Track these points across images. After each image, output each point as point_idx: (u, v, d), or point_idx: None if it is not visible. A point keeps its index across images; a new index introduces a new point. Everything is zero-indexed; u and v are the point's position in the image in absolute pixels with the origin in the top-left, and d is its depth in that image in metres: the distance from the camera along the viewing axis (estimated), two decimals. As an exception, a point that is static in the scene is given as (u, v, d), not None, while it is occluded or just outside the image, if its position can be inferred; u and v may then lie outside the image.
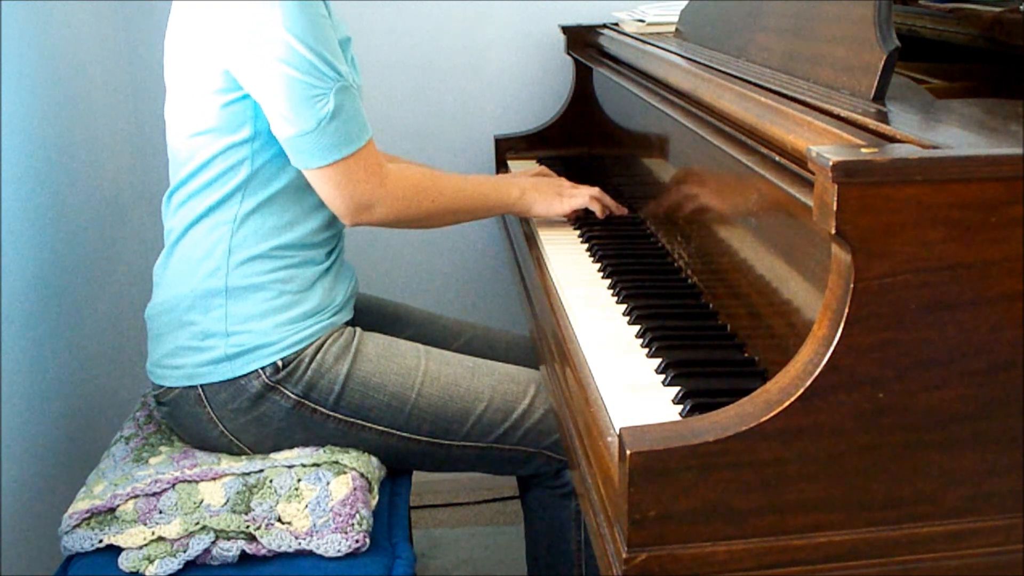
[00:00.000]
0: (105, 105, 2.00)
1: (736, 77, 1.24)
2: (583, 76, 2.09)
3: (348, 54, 1.40)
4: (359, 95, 1.42)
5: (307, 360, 1.37)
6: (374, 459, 1.41)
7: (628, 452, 0.82)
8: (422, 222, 1.47)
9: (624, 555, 0.84)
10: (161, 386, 1.42)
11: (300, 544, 1.27)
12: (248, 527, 1.27)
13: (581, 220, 1.66)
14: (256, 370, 1.36)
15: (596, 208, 1.62)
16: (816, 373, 0.82)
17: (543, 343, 1.34)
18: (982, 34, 1.35)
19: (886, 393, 0.83)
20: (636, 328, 1.22)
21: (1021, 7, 1.28)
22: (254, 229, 1.37)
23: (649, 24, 1.86)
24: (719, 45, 1.49)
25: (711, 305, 1.28)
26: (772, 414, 0.82)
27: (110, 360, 1.92)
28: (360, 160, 1.34)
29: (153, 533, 1.26)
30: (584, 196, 1.61)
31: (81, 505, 1.30)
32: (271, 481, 1.32)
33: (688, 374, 1.08)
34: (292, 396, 1.37)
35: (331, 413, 1.38)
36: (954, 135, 0.94)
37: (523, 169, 1.88)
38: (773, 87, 1.14)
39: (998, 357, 0.84)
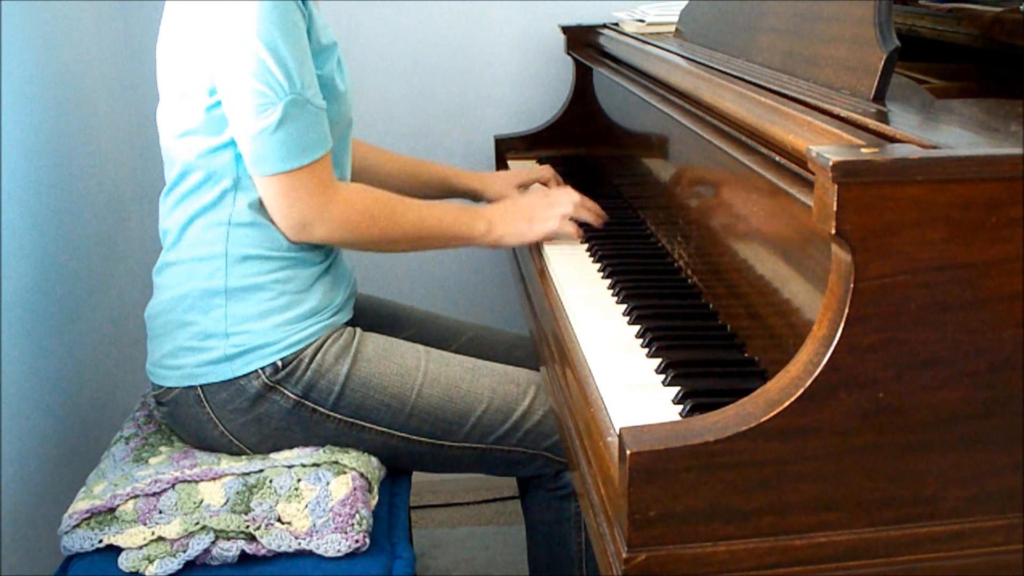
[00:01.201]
0: (105, 105, 2.00)
1: (736, 77, 1.24)
2: (583, 76, 2.09)
3: (333, 60, 1.39)
4: (345, 108, 1.41)
5: (307, 360, 1.37)
6: (374, 459, 1.41)
7: (628, 452, 0.82)
8: (373, 247, 1.44)
9: (624, 555, 0.84)
10: (161, 386, 1.42)
11: (300, 544, 1.27)
12: (248, 527, 1.27)
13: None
14: (256, 370, 1.36)
15: (570, 230, 1.53)
16: (816, 373, 0.82)
17: (543, 343, 1.34)
18: (982, 34, 1.35)
19: (886, 393, 0.83)
20: (636, 328, 1.22)
21: (1021, 7, 1.28)
22: (250, 229, 1.37)
23: (649, 24, 1.87)
24: (719, 45, 1.49)
25: (711, 305, 1.28)
26: (772, 414, 0.82)
27: (110, 360, 1.92)
28: (303, 177, 1.31)
29: (153, 533, 1.26)
30: (555, 220, 1.51)
31: (81, 505, 1.30)
32: (271, 481, 1.32)
33: (688, 374, 1.08)
34: (292, 396, 1.37)
35: (331, 413, 1.38)
36: (954, 135, 0.94)
37: (523, 168, 1.87)
38: (773, 87, 1.14)
39: (998, 357, 0.84)
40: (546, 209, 1.53)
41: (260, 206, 1.36)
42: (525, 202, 1.55)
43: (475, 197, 1.80)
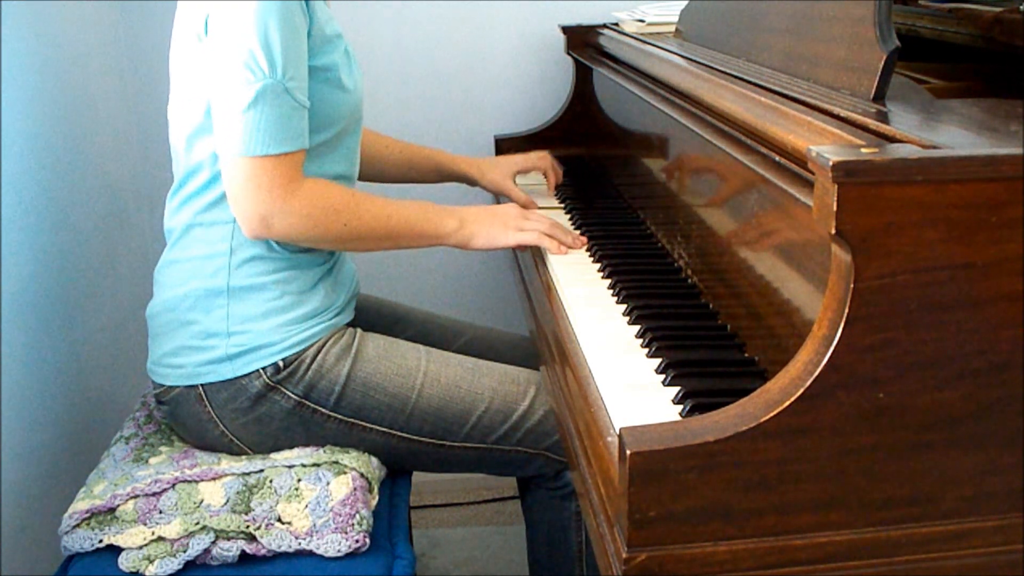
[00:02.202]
0: (105, 105, 2.00)
1: (736, 77, 1.24)
2: (583, 76, 2.09)
3: (338, 50, 1.38)
4: (353, 100, 1.40)
5: (308, 361, 1.37)
6: (374, 459, 1.41)
7: (628, 452, 0.82)
8: (337, 244, 1.40)
9: (624, 555, 0.84)
10: (162, 385, 1.42)
11: (300, 544, 1.27)
12: (248, 527, 1.27)
13: (580, 220, 1.66)
14: (257, 370, 1.36)
15: (551, 245, 1.49)
16: (816, 373, 0.82)
17: (543, 343, 1.34)
18: (982, 34, 1.35)
19: (886, 393, 0.83)
20: (636, 328, 1.22)
21: (1021, 7, 1.28)
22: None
23: (649, 24, 1.87)
24: (719, 45, 1.49)
25: (711, 305, 1.28)
26: (772, 414, 0.82)
27: (110, 360, 1.92)
28: (268, 167, 1.28)
29: (153, 533, 1.26)
30: (534, 233, 1.48)
31: (81, 505, 1.30)
32: (271, 481, 1.32)
33: (688, 374, 1.08)
34: (293, 396, 1.37)
35: (331, 414, 1.38)
36: (954, 135, 0.94)
37: (525, 155, 1.86)
38: (773, 87, 1.14)
39: (998, 357, 0.84)
40: (522, 220, 1.50)
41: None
42: (502, 209, 1.53)
43: (470, 183, 1.79)
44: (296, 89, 1.29)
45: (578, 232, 1.61)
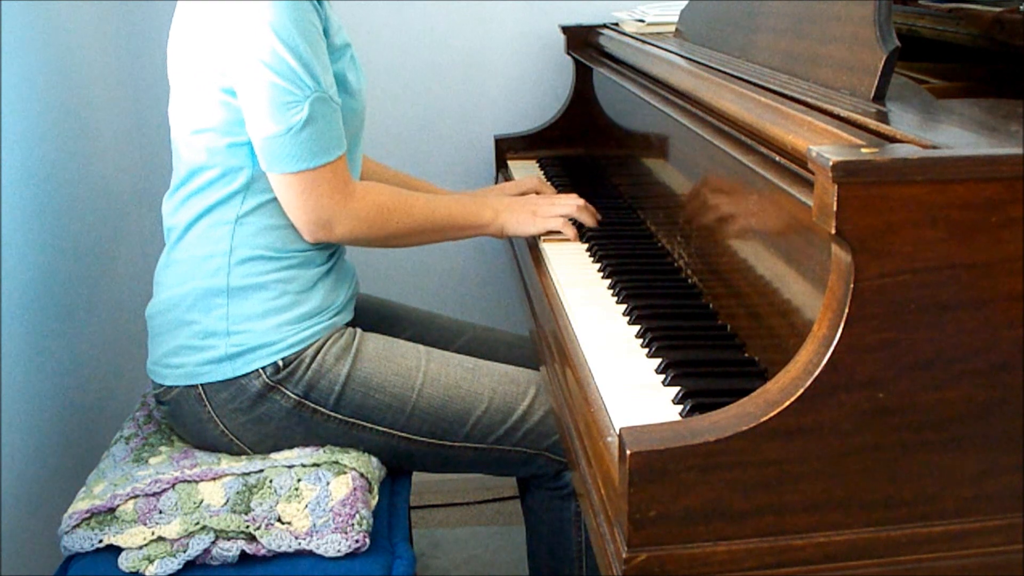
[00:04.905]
0: (105, 105, 2.00)
1: (736, 77, 1.24)
2: (583, 76, 2.09)
3: (345, 58, 1.39)
4: (358, 106, 1.42)
5: (307, 360, 1.37)
6: (374, 459, 1.41)
7: (628, 452, 0.82)
8: (387, 242, 1.45)
9: (624, 555, 0.84)
10: (162, 385, 1.42)
11: (300, 544, 1.27)
12: (248, 527, 1.27)
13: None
14: (256, 370, 1.36)
15: (569, 232, 1.55)
16: (816, 373, 0.82)
17: (543, 343, 1.34)
18: (982, 34, 1.35)
19: (886, 393, 0.83)
20: (636, 328, 1.22)
21: (1021, 7, 1.28)
22: (255, 229, 1.37)
23: (649, 24, 1.87)
24: (719, 45, 1.49)
25: (711, 305, 1.28)
26: (772, 414, 0.82)
27: (110, 360, 1.92)
28: (326, 174, 1.32)
29: (153, 533, 1.26)
30: (557, 220, 1.55)
31: (81, 505, 1.30)
32: (271, 481, 1.32)
33: (688, 374, 1.08)
34: (292, 396, 1.37)
35: (331, 413, 1.38)
36: (954, 135, 0.94)
37: (515, 182, 1.85)
38: (773, 87, 1.14)
39: (998, 357, 0.84)
40: (549, 207, 1.56)
41: (267, 206, 1.37)
42: (531, 197, 1.60)
43: None
44: (334, 93, 1.32)
45: (577, 233, 1.62)
